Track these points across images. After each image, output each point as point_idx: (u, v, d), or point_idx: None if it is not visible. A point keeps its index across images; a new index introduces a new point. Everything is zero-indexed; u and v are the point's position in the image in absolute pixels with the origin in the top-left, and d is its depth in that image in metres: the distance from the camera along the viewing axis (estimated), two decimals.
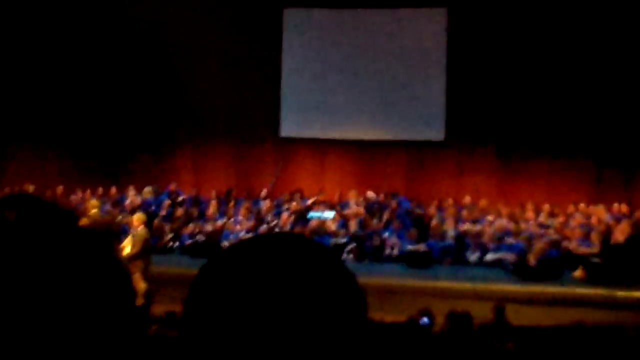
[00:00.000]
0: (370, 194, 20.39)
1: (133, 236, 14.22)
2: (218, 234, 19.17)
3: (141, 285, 13.57)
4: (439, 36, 21.62)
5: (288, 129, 22.39)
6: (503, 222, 18.54)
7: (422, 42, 21.73)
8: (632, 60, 20.02)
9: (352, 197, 20.26)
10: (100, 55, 22.24)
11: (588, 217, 18.38)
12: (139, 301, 11.89)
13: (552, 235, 17.48)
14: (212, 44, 22.01)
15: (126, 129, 22.65)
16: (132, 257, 13.73)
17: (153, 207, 20.27)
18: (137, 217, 14.61)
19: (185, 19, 22.10)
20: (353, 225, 18.87)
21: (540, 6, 20.63)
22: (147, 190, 20.76)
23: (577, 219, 18.29)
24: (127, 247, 14.08)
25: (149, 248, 14.33)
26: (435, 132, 21.58)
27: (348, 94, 21.94)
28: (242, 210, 19.82)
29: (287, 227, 18.65)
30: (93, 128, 22.19)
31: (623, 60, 20.16)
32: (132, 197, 20.50)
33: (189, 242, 19.02)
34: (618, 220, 17.64)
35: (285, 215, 19.33)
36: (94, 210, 16.28)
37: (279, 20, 22.39)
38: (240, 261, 1.38)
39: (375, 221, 19.12)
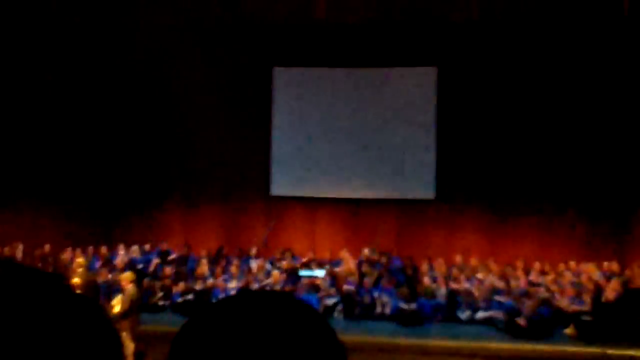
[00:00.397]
0: (365, 251, 20.41)
1: (122, 295, 14.17)
2: (209, 292, 19.11)
3: (130, 344, 13.51)
4: (429, 95, 21.81)
5: (278, 188, 22.44)
6: (494, 280, 18.53)
7: (412, 101, 21.89)
8: (619, 116, 20.20)
9: (344, 256, 20.25)
10: (95, 113, 22.31)
11: (579, 274, 18.39)
12: None
13: (543, 293, 17.47)
14: (204, 104, 22.12)
15: (118, 188, 22.69)
16: (121, 316, 13.66)
17: (143, 266, 20.26)
18: (126, 276, 14.54)
19: (177, 78, 22.26)
20: (344, 284, 18.86)
21: (527, 64, 20.85)
22: (134, 249, 20.74)
23: (568, 276, 18.30)
24: (116, 306, 14.01)
25: (138, 307, 14.26)
26: (426, 191, 21.68)
27: (339, 153, 22.05)
28: (233, 269, 19.81)
29: (279, 286, 18.62)
30: (85, 186, 22.15)
31: (610, 118, 20.35)
32: (122, 256, 20.45)
33: (179, 300, 18.96)
34: (609, 278, 17.65)
35: (276, 273, 19.28)
36: (80, 269, 16.12)
37: (269, 79, 22.55)
38: (222, 318, 1.39)
39: (366, 279, 19.08)
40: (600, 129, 20.45)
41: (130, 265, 19.82)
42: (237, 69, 22.40)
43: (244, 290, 1.45)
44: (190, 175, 22.55)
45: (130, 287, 14.03)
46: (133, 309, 13.87)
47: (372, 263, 19.89)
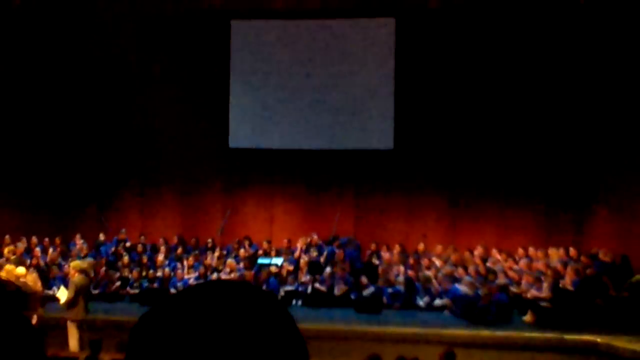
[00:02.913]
0: (317, 238, 20.39)
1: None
2: (167, 281, 19.02)
3: (75, 333, 13.37)
4: (389, 45, 21.77)
5: (236, 140, 22.36)
6: (452, 267, 18.56)
7: (371, 52, 21.89)
8: (579, 104, 20.30)
9: (301, 243, 20.25)
10: (49, 104, 22.09)
11: (537, 260, 18.45)
12: (85, 351, 11.67)
13: (501, 279, 17.53)
14: (159, 89, 22.01)
15: (74, 179, 22.45)
16: (67, 305, 13.49)
17: (101, 255, 20.15)
18: (73, 265, 14.32)
19: (131, 66, 22.12)
20: (302, 272, 18.84)
21: (487, 41, 20.90)
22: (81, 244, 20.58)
23: (526, 263, 18.37)
24: (61, 296, 13.81)
25: (87, 295, 14.04)
26: (385, 142, 21.76)
27: (297, 105, 22.01)
28: (191, 258, 19.72)
29: (236, 274, 18.56)
30: (41, 178, 21.91)
31: (569, 105, 20.44)
32: (79, 245, 20.27)
33: (137, 289, 18.84)
34: (567, 264, 17.74)
35: (231, 262, 19.23)
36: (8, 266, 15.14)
37: (227, 37, 22.29)
38: (181, 308, 1.34)
39: (323, 267, 19.05)
40: (560, 116, 20.54)
41: (89, 254, 19.80)
42: (194, 55, 22.24)
43: (204, 282, 1.41)
44: (147, 162, 22.39)
45: (76, 276, 13.79)
46: (80, 298, 13.65)
47: (329, 251, 19.88)
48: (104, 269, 19.24)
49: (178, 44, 22.19)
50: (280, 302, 1.44)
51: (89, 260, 18.18)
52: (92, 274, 16.60)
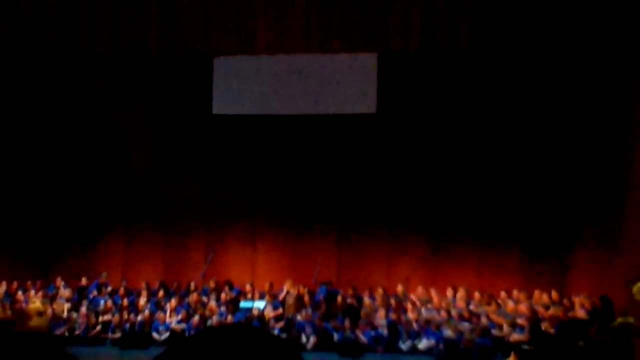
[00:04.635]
0: (302, 284, 20.37)
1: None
2: (148, 325, 18.94)
3: None
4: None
5: (220, 107, 22.22)
6: (434, 310, 18.58)
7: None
8: (560, 146, 20.44)
9: (285, 287, 20.21)
10: (29, 146, 22.04)
11: (519, 303, 18.50)
12: None
13: (483, 322, 17.57)
14: (141, 133, 22.06)
15: (56, 222, 22.35)
16: None
17: (84, 298, 20.07)
18: (32, 307, 14.17)
19: (113, 109, 22.15)
20: (285, 315, 18.83)
21: (469, 89, 21.07)
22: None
23: (508, 306, 18.41)
24: None
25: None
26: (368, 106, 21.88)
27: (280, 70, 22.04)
28: (173, 301, 19.67)
29: (217, 318, 18.54)
30: (23, 220, 21.82)
31: (551, 147, 20.57)
32: (61, 289, 20.17)
33: (119, 333, 18.75)
34: (548, 307, 17.78)
35: (212, 304, 19.21)
36: None
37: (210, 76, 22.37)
38: (198, 353, 1.35)
39: (307, 311, 19.04)
40: (540, 159, 20.66)
41: (71, 298, 19.73)
42: (176, 96, 22.30)
43: (211, 328, 1.37)
44: (130, 208, 22.34)
45: (35, 319, 13.65)
46: None
47: (311, 294, 19.89)
48: (84, 312, 19.16)
49: (160, 85, 22.25)
50: (295, 347, 1.45)
51: (46, 302, 18.11)
52: (49, 316, 16.50)
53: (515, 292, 19.33)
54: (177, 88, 22.24)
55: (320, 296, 20.07)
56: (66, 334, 18.81)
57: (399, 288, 20.18)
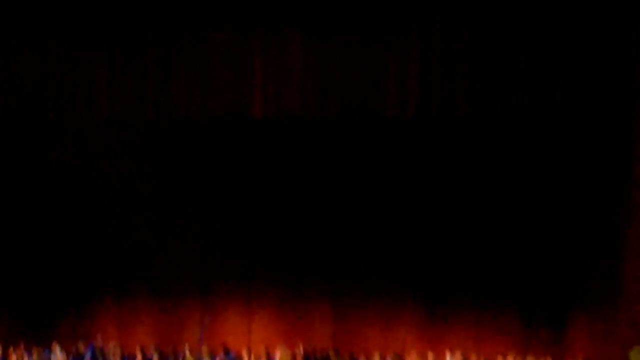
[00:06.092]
0: (298, 349, 20.24)
1: None
2: None
3: None
4: None
5: None
6: None
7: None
8: (559, 210, 20.44)
9: (276, 354, 20.08)
10: (24, 207, 21.99)
11: None
12: None
13: None
14: (137, 193, 22.02)
15: (49, 286, 22.22)
16: None
17: None
18: None
19: (112, 167, 22.12)
20: None
21: (461, 159, 21.14)
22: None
23: None
24: None
25: None
26: None
27: None
28: None
29: None
30: (17, 284, 21.72)
31: (549, 211, 20.57)
32: (58, 355, 19.98)
33: None
34: None
35: None
36: None
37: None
38: None
39: None
40: (539, 222, 20.66)
41: None
42: (172, 161, 22.32)
43: None
44: (124, 272, 22.22)
45: None
46: None
47: None
48: None
49: (155, 149, 22.25)
50: None
51: None
52: None
53: (511, 357, 19.25)
54: (172, 151, 22.25)
55: None
56: None
57: (394, 354, 20.11)
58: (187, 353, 20.35)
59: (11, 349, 19.82)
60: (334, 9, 18.88)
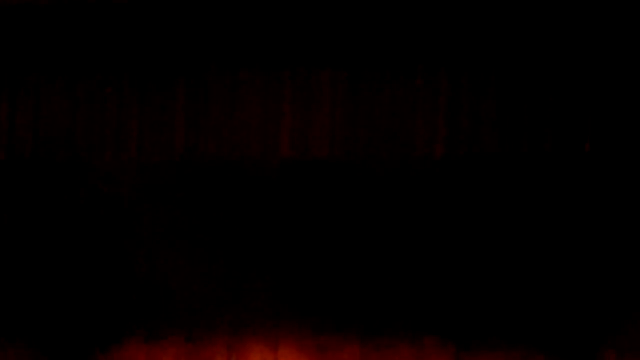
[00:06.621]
0: None
1: None
2: None
3: None
4: None
5: None
6: None
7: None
8: (586, 251, 20.34)
9: None
10: (51, 245, 22.08)
11: None
12: None
13: None
14: (164, 233, 22.11)
15: (76, 326, 22.20)
16: None
17: None
18: None
19: (140, 207, 22.25)
20: None
21: (489, 200, 21.13)
22: None
23: None
24: None
25: None
26: None
27: None
28: None
29: None
30: (42, 325, 21.74)
31: (577, 252, 20.50)
32: None
33: None
34: None
35: None
36: None
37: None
38: None
39: None
40: (568, 262, 20.53)
41: None
42: (200, 202, 22.43)
43: None
44: (150, 310, 22.24)
45: None
46: None
47: None
48: None
49: (186, 190, 22.36)
50: None
51: None
52: None
53: None
54: (201, 192, 22.35)
55: None
56: None
57: None
58: None
59: None
60: (363, 48, 19.01)
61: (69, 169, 21.97)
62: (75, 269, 22.39)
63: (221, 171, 22.32)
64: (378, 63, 19.56)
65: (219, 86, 20.23)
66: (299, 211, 22.24)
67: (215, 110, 20.10)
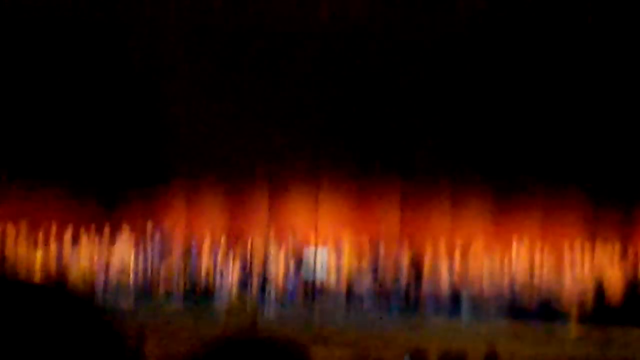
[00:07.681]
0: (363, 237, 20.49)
1: None
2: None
3: None
4: None
5: None
6: (497, 263, 18.51)
7: None
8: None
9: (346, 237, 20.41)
10: (90, 91, 22.20)
11: (583, 255, 18.34)
12: None
13: (545, 277, 17.45)
14: (210, 86, 22.10)
15: (117, 165, 22.47)
16: None
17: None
18: None
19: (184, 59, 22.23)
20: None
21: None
22: None
23: (571, 258, 18.25)
24: None
25: None
26: None
27: None
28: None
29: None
30: (86, 163, 22.02)
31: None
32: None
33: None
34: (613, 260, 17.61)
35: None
36: None
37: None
38: None
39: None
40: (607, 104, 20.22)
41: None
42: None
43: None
44: (192, 152, 22.35)
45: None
46: None
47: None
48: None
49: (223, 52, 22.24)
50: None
51: None
52: None
53: (579, 242, 19.13)
54: (238, 52, 22.20)
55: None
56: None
57: (462, 240, 20.18)
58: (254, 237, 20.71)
59: (82, 229, 20.34)
60: None
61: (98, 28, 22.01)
62: (118, 111, 22.56)
63: (260, 34, 22.11)
64: None
65: None
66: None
67: None
